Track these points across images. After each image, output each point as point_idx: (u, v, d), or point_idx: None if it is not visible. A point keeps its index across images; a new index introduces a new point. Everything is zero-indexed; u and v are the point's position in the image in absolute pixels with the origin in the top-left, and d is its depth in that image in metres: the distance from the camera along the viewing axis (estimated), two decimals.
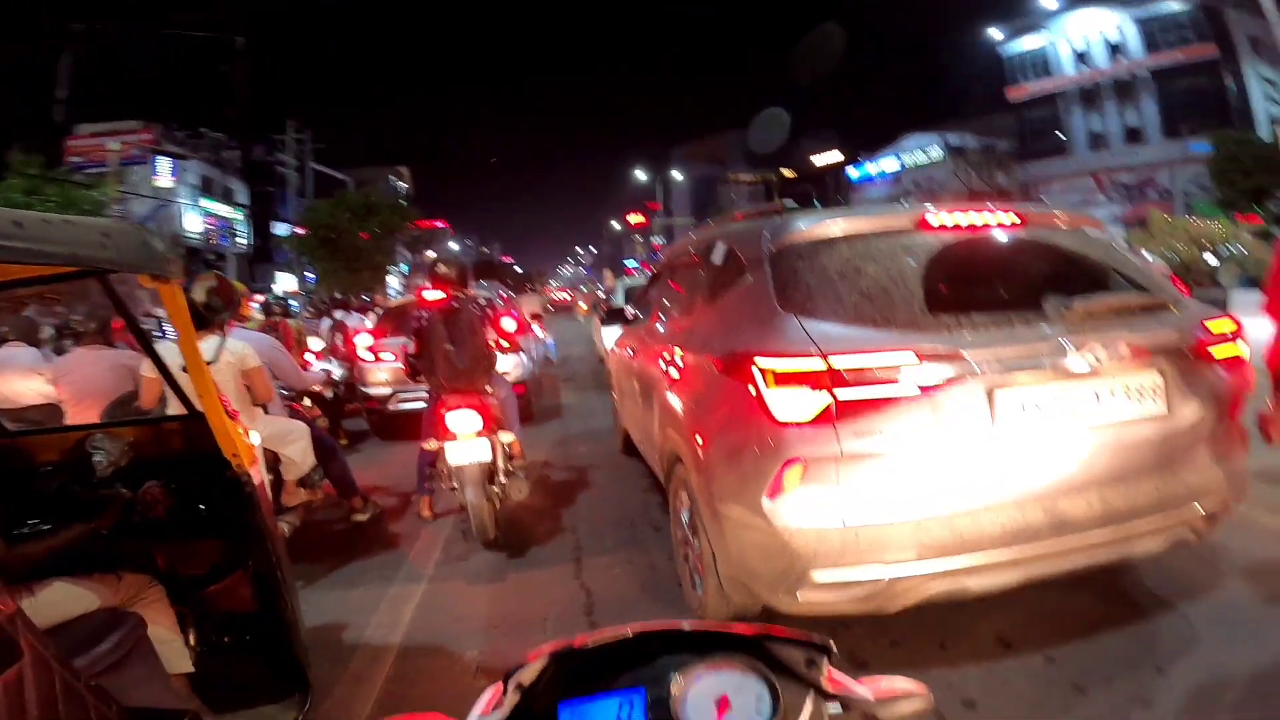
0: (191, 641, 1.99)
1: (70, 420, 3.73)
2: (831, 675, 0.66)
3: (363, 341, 6.87)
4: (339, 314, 8.22)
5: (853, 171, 44.03)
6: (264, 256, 35.35)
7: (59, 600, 1.64)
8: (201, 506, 2.01)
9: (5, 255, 1.14)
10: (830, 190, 44.08)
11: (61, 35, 30.02)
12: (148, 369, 3.15)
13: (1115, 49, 31.89)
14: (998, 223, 2.40)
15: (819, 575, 1.97)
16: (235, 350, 3.23)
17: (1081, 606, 2.54)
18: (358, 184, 37.41)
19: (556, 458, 5.61)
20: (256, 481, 1.99)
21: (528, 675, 0.64)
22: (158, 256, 1.61)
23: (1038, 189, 33.38)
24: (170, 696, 1.76)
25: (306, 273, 28.19)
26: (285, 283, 31.25)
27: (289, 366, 3.99)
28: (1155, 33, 30.31)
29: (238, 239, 34.34)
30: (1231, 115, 27.58)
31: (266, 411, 3.61)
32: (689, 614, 2.70)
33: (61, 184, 17.96)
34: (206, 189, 32.74)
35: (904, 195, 37.28)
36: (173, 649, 1.86)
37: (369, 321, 8.56)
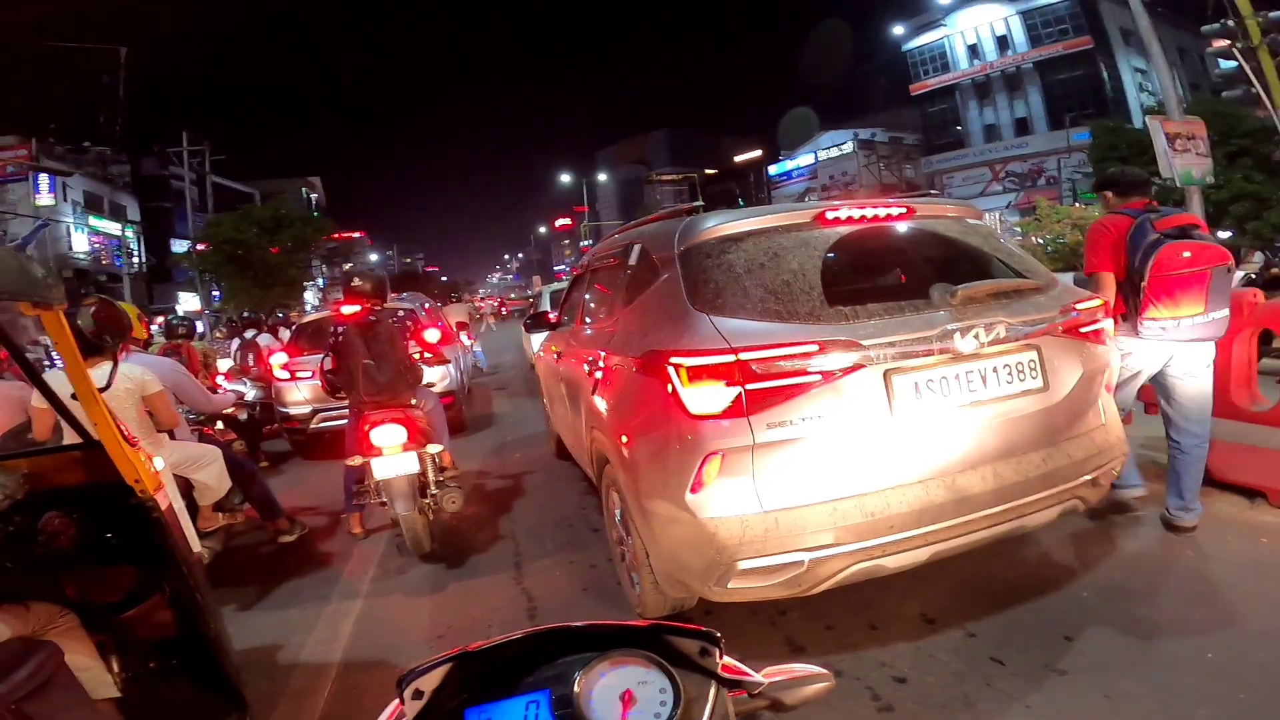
0: (116, 668, 1.94)
1: None
2: (725, 663, 0.69)
3: (277, 360, 6.59)
4: (250, 333, 7.81)
5: (772, 168, 45.34)
6: (163, 276, 33.07)
7: None
8: (109, 535, 1.95)
9: None
10: (751, 187, 45.30)
11: None
12: (37, 400, 3.00)
13: (1003, 42, 34.11)
14: (888, 215, 2.54)
15: (744, 563, 2.04)
16: (133, 376, 3.15)
17: (994, 580, 2.70)
18: (264, 197, 35.55)
19: (491, 466, 5.56)
20: (163, 506, 1.93)
21: (427, 682, 0.65)
22: (37, 282, 1.54)
23: (941, 180, 35.36)
24: None
25: (214, 291, 26.57)
26: (188, 302, 29.35)
27: (194, 390, 3.84)
28: (1038, 25, 32.61)
29: (132, 258, 31.94)
30: (1108, 105, 29.96)
31: (173, 437, 3.51)
32: (630, 612, 2.74)
33: None
34: (94, 206, 30.33)
35: (820, 190, 38.60)
36: (94, 675, 1.83)
37: (282, 340, 8.21)
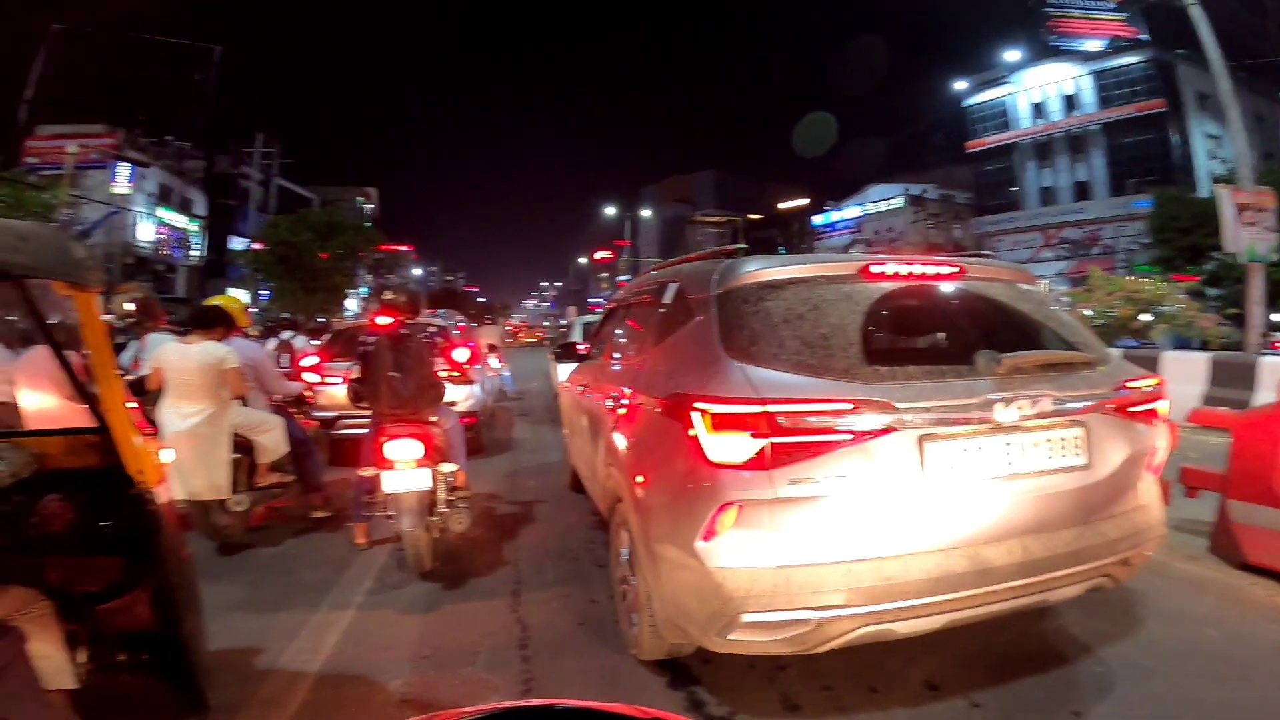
0: (82, 658, 1.90)
1: (30, 418, 3.71)
2: None
3: (308, 363, 6.70)
4: (286, 334, 7.96)
5: (817, 218, 45.32)
6: (217, 270, 34.44)
7: None
8: (102, 523, 1.94)
9: None
10: (794, 235, 45.30)
11: (35, 35, 29.50)
12: (150, 364, 3.85)
13: (1071, 102, 33.21)
14: (937, 274, 2.47)
15: (749, 617, 1.99)
16: (215, 353, 3.93)
17: (1005, 650, 2.61)
18: (323, 202, 36.92)
19: (504, 491, 5.51)
20: (162, 500, 1.92)
21: None
22: (76, 263, 1.58)
23: (990, 242, 34.69)
24: (45, 713, 1.69)
25: (261, 290, 27.51)
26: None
27: (272, 374, 4.59)
28: (1109, 87, 31.48)
29: (191, 251, 33.39)
30: (1174, 172, 28.81)
31: (246, 404, 4.23)
32: (624, 652, 2.70)
33: (13, 184, 17.38)
34: (164, 198, 31.91)
35: (864, 243, 38.26)
36: (54, 665, 1.79)
37: (316, 343, 8.35)
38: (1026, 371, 2.21)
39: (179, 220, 32.70)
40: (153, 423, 3.98)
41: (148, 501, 1.85)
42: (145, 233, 30.21)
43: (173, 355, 3.93)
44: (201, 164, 35.31)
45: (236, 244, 32.95)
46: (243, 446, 4.15)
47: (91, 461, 1.99)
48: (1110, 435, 2.27)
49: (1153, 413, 2.39)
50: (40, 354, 4.03)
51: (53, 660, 1.78)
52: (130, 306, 3.68)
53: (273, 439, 4.21)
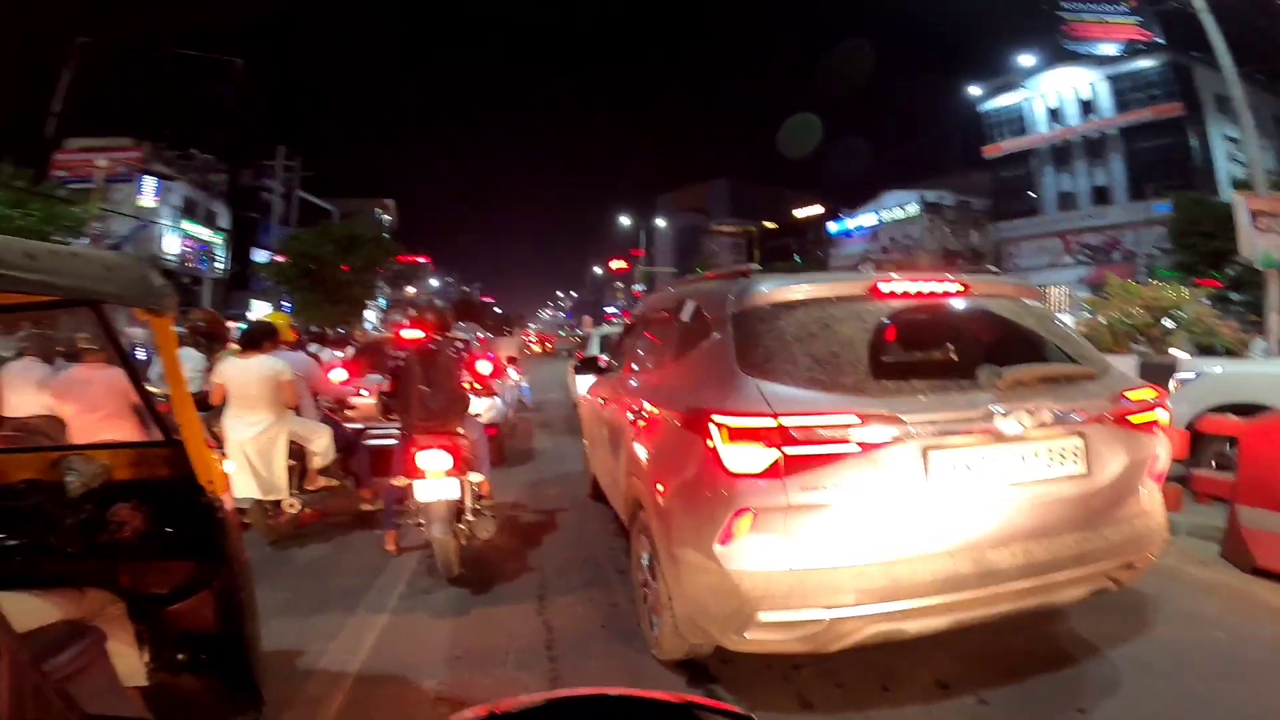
0: (148, 658, 2.03)
1: (72, 433, 4.13)
2: None
3: (337, 376, 6.89)
4: (313, 347, 8.15)
5: (832, 226, 44.95)
6: (241, 283, 34.98)
7: (21, 611, 1.66)
8: (170, 529, 2.06)
9: (17, 286, 1.22)
10: (810, 244, 45.05)
11: (62, 49, 30.36)
12: (215, 375, 4.25)
13: (1087, 106, 32.72)
14: (944, 291, 2.57)
15: (765, 616, 2.10)
16: (275, 367, 4.34)
17: (1015, 650, 2.69)
18: (342, 214, 37.39)
19: (526, 499, 5.65)
20: (228, 508, 2.05)
21: None
22: (155, 291, 1.70)
23: (1009, 249, 34.21)
24: (126, 707, 1.80)
25: (283, 302, 27.89)
26: (259, 310, 30.92)
27: (321, 380, 5.15)
28: (1126, 90, 30.64)
29: (216, 263, 33.99)
30: (1195, 176, 28.00)
31: (299, 413, 4.62)
32: (646, 652, 2.80)
33: (46, 198, 17.87)
34: (189, 211, 32.46)
35: (880, 252, 37.92)
36: (129, 663, 1.92)
37: (340, 355, 8.53)
38: (1027, 384, 2.31)
39: (204, 233, 33.26)
40: (214, 434, 4.26)
41: (217, 509, 1.99)
42: (171, 245, 30.80)
43: (233, 371, 4.34)
44: (225, 177, 35.94)
45: (259, 256, 33.46)
46: (294, 453, 4.54)
47: (159, 472, 2.12)
48: (1109, 444, 2.36)
49: (1152, 423, 2.47)
50: (86, 371, 4.30)
51: (128, 659, 1.92)
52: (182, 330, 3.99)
53: (322, 445, 4.62)
